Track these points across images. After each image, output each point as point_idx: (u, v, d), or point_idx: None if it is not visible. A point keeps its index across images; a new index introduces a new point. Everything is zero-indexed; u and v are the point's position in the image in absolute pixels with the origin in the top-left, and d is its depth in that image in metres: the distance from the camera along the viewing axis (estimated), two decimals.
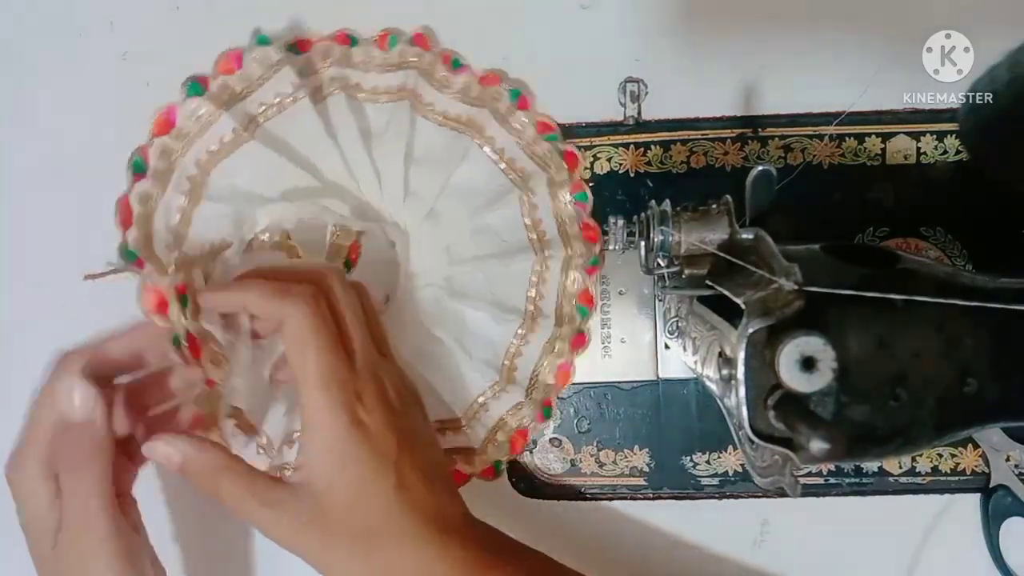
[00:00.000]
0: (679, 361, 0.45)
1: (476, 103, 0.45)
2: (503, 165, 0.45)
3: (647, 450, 0.46)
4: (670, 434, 0.46)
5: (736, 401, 0.30)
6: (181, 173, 0.43)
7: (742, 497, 0.46)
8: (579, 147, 0.46)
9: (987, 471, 0.44)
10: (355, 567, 0.33)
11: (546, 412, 0.45)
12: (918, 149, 0.45)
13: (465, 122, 0.45)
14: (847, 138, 0.45)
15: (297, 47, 0.46)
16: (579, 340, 0.45)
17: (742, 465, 0.46)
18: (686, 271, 0.37)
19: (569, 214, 0.45)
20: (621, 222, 0.38)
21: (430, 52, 0.46)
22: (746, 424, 0.30)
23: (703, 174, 0.46)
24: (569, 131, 0.46)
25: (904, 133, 0.45)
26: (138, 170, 0.43)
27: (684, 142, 0.46)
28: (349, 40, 0.46)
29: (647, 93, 0.46)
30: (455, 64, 0.46)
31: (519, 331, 0.45)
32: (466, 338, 0.44)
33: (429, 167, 0.45)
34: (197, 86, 0.44)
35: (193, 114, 0.43)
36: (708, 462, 0.46)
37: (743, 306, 0.30)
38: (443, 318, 0.44)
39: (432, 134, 0.45)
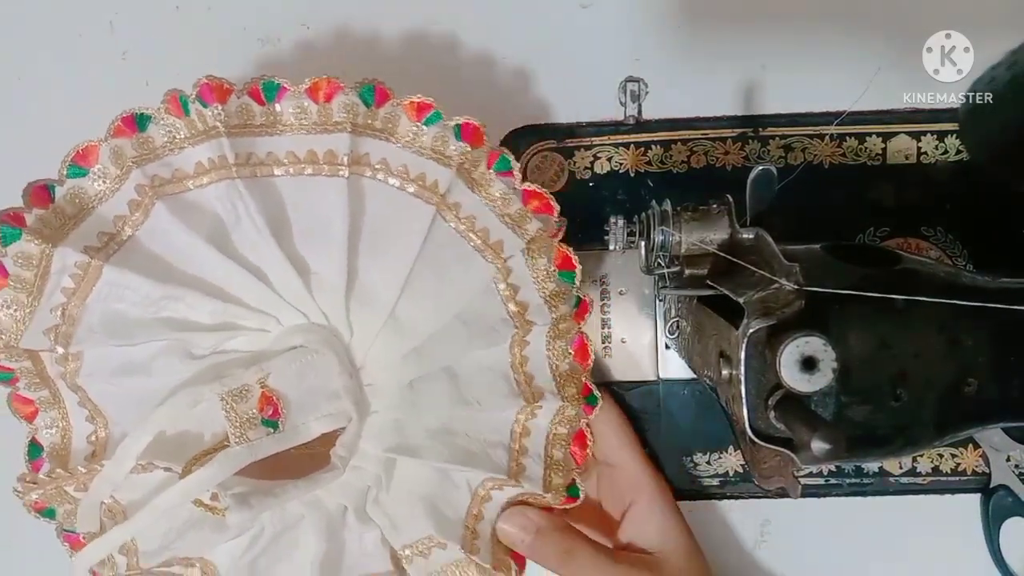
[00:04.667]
0: (679, 361, 0.45)
1: (507, 220, 0.38)
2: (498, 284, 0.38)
3: (647, 450, 0.46)
4: (670, 434, 0.46)
5: (736, 401, 0.30)
6: (37, 335, 0.36)
7: (743, 497, 0.46)
8: (580, 147, 0.46)
9: (987, 471, 0.44)
10: None
11: (572, 491, 0.40)
12: (919, 149, 0.45)
13: (492, 244, 0.38)
14: (848, 138, 0.45)
15: (202, 98, 0.36)
16: (585, 389, 0.40)
17: (743, 465, 0.46)
18: (686, 271, 0.37)
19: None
20: (621, 222, 0.38)
21: (482, 148, 0.38)
22: (746, 424, 0.30)
23: (704, 174, 0.46)
24: (570, 131, 0.46)
25: (905, 133, 0.45)
26: None
27: (684, 142, 0.46)
28: (263, 99, 0.36)
29: (647, 93, 0.46)
30: (502, 164, 0.38)
31: (519, 416, 0.39)
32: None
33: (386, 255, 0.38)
34: (10, 230, 0.35)
35: (24, 261, 0.35)
36: (708, 462, 0.46)
37: (744, 306, 0.30)
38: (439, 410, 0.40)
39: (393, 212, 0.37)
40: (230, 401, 0.35)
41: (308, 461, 0.39)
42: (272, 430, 0.36)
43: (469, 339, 0.38)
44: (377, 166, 0.37)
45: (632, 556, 0.40)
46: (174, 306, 0.37)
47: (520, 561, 0.40)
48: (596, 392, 0.40)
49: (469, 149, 0.38)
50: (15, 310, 0.36)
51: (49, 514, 0.39)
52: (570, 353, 0.40)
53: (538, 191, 0.39)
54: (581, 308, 0.40)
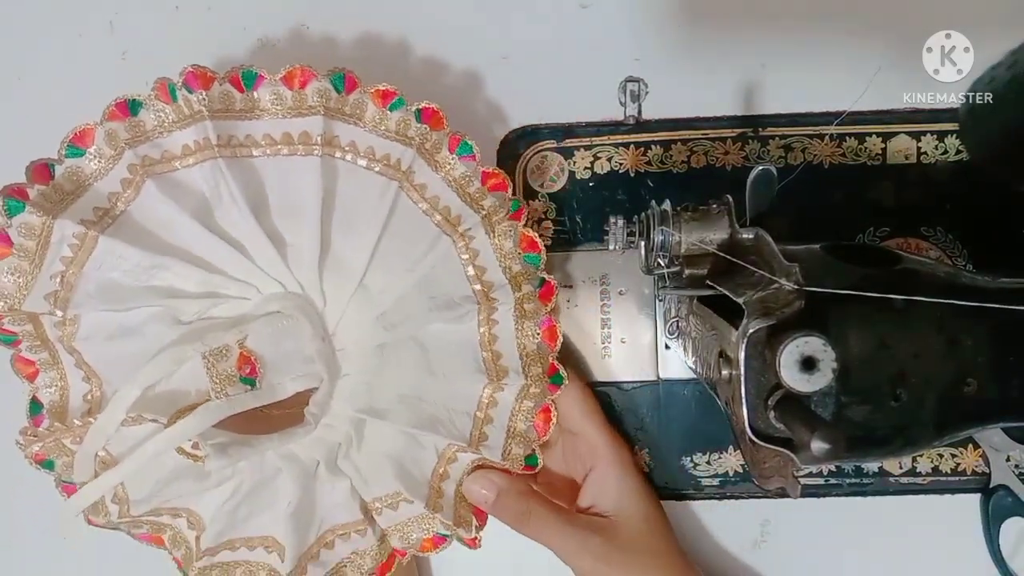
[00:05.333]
0: (679, 361, 0.45)
1: (467, 198, 0.41)
2: (466, 262, 0.41)
3: (647, 450, 0.46)
4: (670, 434, 0.46)
5: (736, 401, 0.30)
6: (38, 299, 0.39)
7: (743, 498, 0.46)
8: (580, 147, 0.46)
9: (987, 471, 0.44)
10: None
11: (530, 460, 0.42)
12: (919, 149, 0.45)
13: (452, 219, 0.41)
14: (848, 138, 0.45)
15: (188, 84, 0.38)
16: (552, 369, 0.42)
17: (742, 466, 0.46)
18: (686, 271, 0.37)
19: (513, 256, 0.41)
20: (621, 222, 0.38)
21: (442, 130, 0.41)
22: (746, 424, 0.30)
23: (703, 174, 0.46)
24: (570, 131, 0.46)
25: (905, 133, 0.45)
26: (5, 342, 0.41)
27: (684, 142, 0.46)
28: (242, 85, 0.39)
29: (647, 93, 0.46)
30: (464, 149, 0.41)
31: (485, 391, 0.41)
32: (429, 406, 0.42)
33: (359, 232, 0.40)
34: (15, 203, 0.37)
35: (27, 231, 0.38)
36: (708, 462, 0.46)
37: (743, 306, 0.30)
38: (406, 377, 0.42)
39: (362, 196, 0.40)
40: (211, 359, 0.39)
41: (284, 421, 0.41)
42: (250, 387, 0.40)
43: (433, 311, 0.41)
44: (346, 148, 0.40)
45: (587, 518, 0.42)
46: (163, 275, 0.40)
47: (481, 519, 0.42)
48: (562, 372, 0.42)
49: (429, 130, 0.40)
50: (18, 276, 0.39)
51: (48, 465, 0.42)
52: (539, 334, 0.42)
53: (495, 171, 0.41)
54: (546, 289, 0.42)
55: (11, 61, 0.49)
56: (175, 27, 0.48)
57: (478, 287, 0.41)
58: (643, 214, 0.38)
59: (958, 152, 0.45)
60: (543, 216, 0.47)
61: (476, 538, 0.42)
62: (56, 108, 0.48)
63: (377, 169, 0.40)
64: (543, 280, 0.42)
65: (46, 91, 0.49)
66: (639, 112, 0.46)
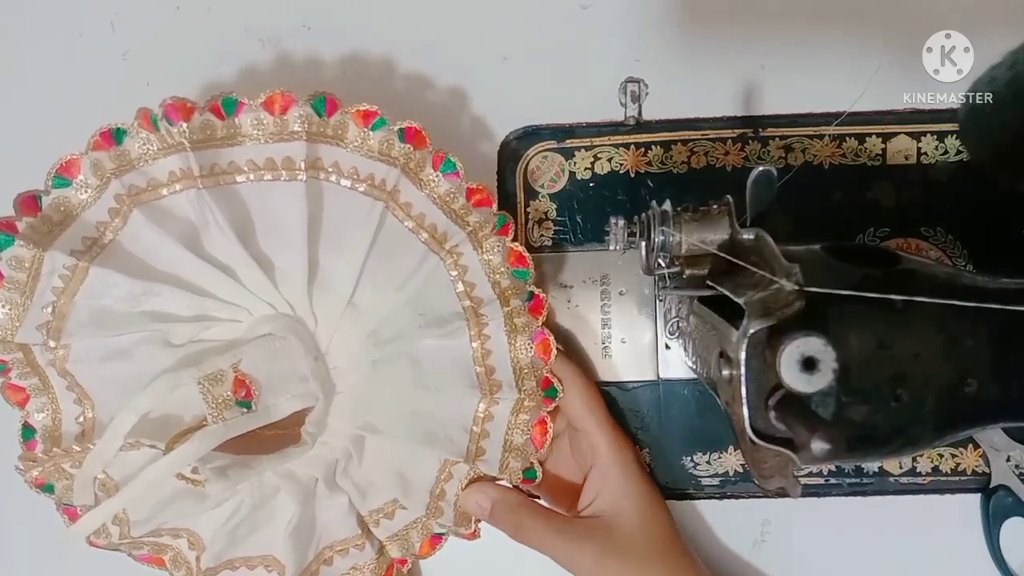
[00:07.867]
0: (679, 361, 0.45)
1: (452, 215, 0.41)
2: (456, 280, 0.41)
3: (647, 450, 0.46)
4: (670, 434, 0.46)
5: (737, 401, 0.30)
6: (30, 330, 0.39)
7: (742, 497, 0.46)
8: (581, 148, 0.46)
9: (987, 471, 0.44)
10: None
11: (528, 474, 0.43)
12: (919, 149, 0.45)
13: (438, 237, 0.41)
14: (848, 138, 0.45)
15: (168, 117, 0.38)
16: (545, 382, 0.42)
17: (743, 465, 0.46)
18: (687, 271, 0.37)
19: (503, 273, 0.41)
20: (622, 222, 0.38)
21: (425, 149, 0.41)
22: (747, 424, 0.30)
23: (704, 174, 0.46)
24: (570, 131, 0.46)
25: (905, 133, 0.45)
26: None
27: (685, 142, 0.46)
28: (223, 112, 0.39)
29: (647, 93, 0.46)
30: (447, 166, 0.41)
31: (480, 406, 0.42)
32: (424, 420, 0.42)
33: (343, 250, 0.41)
34: (4, 236, 0.38)
35: (17, 264, 0.38)
36: (709, 462, 0.46)
37: (744, 306, 0.30)
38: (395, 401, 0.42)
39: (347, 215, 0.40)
40: (207, 385, 0.39)
41: (277, 441, 0.42)
42: (246, 410, 0.40)
43: (423, 327, 0.41)
44: (330, 169, 0.40)
45: (581, 522, 0.42)
46: (154, 301, 0.40)
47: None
48: (556, 385, 0.42)
49: (412, 150, 0.40)
50: (10, 308, 0.39)
51: (48, 489, 0.42)
52: (532, 348, 0.42)
53: (479, 187, 0.42)
54: (535, 303, 0.42)
55: (11, 61, 0.49)
56: (176, 27, 0.48)
57: (467, 303, 0.41)
58: (643, 215, 0.38)
59: (958, 152, 0.45)
60: (543, 216, 0.47)
61: (475, 530, 0.42)
62: (57, 108, 0.48)
63: (362, 189, 0.41)
64: (532, 294, 0.42)
65: (47, 91, 0.49)
66: (639, 113, 0.46)
